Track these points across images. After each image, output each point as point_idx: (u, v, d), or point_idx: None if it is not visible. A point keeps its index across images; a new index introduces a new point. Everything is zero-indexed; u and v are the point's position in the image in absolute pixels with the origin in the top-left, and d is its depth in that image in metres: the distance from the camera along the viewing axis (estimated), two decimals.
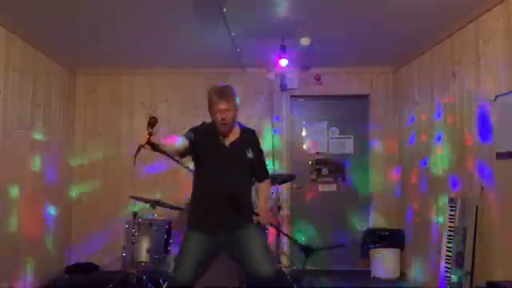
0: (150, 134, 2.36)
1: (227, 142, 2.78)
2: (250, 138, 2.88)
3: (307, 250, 2.71)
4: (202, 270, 2.71)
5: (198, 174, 2.82)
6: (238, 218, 2.72)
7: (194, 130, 2.79)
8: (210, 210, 2.72)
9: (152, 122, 2.37)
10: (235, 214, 2.70)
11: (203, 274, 2.74)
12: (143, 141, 2.38)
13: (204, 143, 2.74)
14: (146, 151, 2.44)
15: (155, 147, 2.40)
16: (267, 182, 3.01)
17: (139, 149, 2.41)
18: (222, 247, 2.75)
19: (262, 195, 2.98)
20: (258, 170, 2.92)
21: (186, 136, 2.70)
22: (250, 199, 2.89)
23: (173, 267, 2.75)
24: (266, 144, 5.27)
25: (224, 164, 2.74)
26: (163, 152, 2.48)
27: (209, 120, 2.84)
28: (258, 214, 2.84)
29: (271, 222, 2.95)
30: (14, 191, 3.99)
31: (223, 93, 2.72)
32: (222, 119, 2.69)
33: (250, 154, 2.81)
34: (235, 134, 2.82)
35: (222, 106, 2.68)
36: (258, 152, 2.90)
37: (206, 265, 2.73)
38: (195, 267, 2.66)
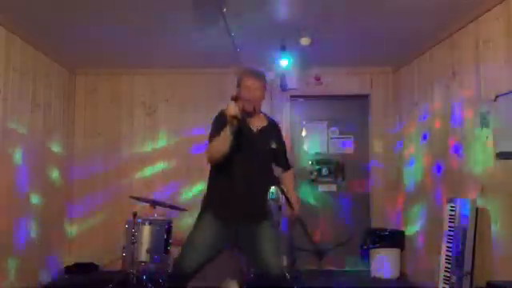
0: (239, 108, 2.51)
1: (255, 127, 2.74)
2: (275, 128, 2.90)
3: (320, 254, 2.72)
4: (207, 262, 2.66)
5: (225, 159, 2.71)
6: (255, 210, 2.69)
7: (220, 120, 2.67)
8: (229, 196, 2.66)
9: (235, 98, 2.55)
10: (254, 205, 2.69)
11: (206, 266, 2.68)
12: (237, 112, 2.49)
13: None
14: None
15: (239, 121, 2.51)
16: (291, 171, 3.02)
17: (238, 121, 2.50)
18: (236, 240, 2.71)
19: (290, 186, 2.95)
20: (281, 160, 2.92)
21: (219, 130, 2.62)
22: (268, 194, 2.85)
23: (179, 254, 2.70)
24: None
25: (250, 149, 2.64)
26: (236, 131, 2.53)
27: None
28: (292, 207, 2.79)
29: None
30: (18, 193, 4.00)
31: (254, 71, 2.77)
32: (250, 95, 2.67)
33: (273, 145, 2.78)
34: (263, 121, 2.81)
35: (251, 82, 2.69)
36: (282, 143, 2.92)
37: (213, 257, 2.68)
38: (202, 259, 2.62)
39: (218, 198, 2.72)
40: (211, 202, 2.75)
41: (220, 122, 2.64)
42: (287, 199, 2.74)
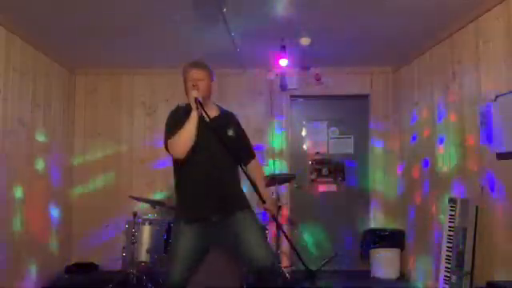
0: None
1: (206, 118, 2.62)
2: (230, 118, 2.82)
3: (311, 274, 2.62)
4: (195, 268, 2.59)
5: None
6: (230, 200, 2.59)
7: (177, 114, 2.70)
8: (198, 193, 2.57)
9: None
10: (226, 195, 2.58)
11: (197, 271, 2.60)
12: (197, 94, 2.57)
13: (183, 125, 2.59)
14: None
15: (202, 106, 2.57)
16: (255, 163, 2.85)
17: (196, 102, 2.57)
18: (215, 238, 2.58)
19: (257, 178, 2.75)
20: (242, 150, 2.77)
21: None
22: (239, 179, 2.72)
23: (167, 269, 2.63)
24: (268, 142, 5.31)
25: (206, 140, 2.57)
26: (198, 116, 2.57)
27: None
28: (263, 201, 2.62)
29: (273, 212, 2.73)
30: (17, 192, 4.00)
31: (196, 62, 2.73)
32: (194, 86, 2.62)
33: (231, 133, 2.71)
34: (214, 112, 2.74)
35: (195, 74, 2.66)
36: (240, 131, 2.81)
37: (199, 261, 2.60)
38: (188, 268, 2.55)
39: (185, 200, 2.63)
40: (179, 208, 2.67)
41: (178, 116, 2.66)
42: (257, 193, 2.60)
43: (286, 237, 2.77)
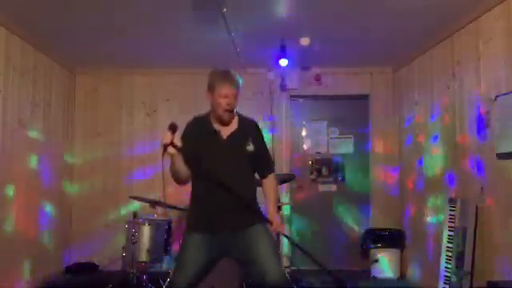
0: (173, 137, 2.32)
1: (224, 134, 2.55)
2: (250, 128, 2.63)
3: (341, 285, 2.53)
4: (200, 279, 2.53)
5: (195, 172, 2.55)
6: (242, 216, 2.51)
7: (183, 137, 2.55)
8: (211, 210, 2.51)
9: (172, 127, 2.34)
10: (239, 212, 2.50)
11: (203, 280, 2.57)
12: (168, 140, 2.31)
13: (197, 142, 2.52)
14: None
15: (178, 148, 2.35)
16: (271, 178, 2.69)
17: (165, 148, 2.34)
18: (225, 250, 2.53)
19: (269, 197, 2.66)
20: (260, 164, 2.64)
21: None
22: (255, 195, 2.64)
23: (171, 276, 2.57)
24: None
25: (222, 159, 2.50)
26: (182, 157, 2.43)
27: None
28: (270, 222, 2.54)
29: (283, 231, 2.65)
30: (14, 191, 4.00)
31: (230, 76, 2.53)
32: (228, 105, 2.47)
33: (250, 147, 2.55)
34: (233, 125, 2.58)
35: (229, 90, 2.47)
36: (260, 144, 2.64)
37: (206, 273, 2.55)
38: (194, 278, 2.49)
39: (197, 214, 2.58)
40: (192, 220, 2.62)
41: (186, 135, 2.54)
42: (268, 211, 2.55)
43: (299, 247, 2.70)
